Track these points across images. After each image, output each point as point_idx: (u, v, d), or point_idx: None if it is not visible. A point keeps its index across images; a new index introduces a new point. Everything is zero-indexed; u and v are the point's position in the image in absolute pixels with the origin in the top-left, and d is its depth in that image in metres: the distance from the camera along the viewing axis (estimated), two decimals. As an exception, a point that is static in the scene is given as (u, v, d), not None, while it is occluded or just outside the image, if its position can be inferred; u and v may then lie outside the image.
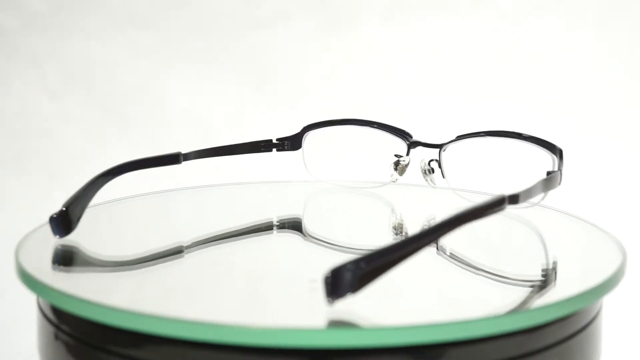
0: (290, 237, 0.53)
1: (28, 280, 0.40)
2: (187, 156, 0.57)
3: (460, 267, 0.46)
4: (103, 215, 0.56)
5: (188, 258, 0.47)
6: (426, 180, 0.56)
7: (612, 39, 1.01)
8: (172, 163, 0.56)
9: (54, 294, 0.39)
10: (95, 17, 1.08)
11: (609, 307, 0.50)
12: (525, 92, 1.03)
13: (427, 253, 0.48)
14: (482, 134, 0.54)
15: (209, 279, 0.44)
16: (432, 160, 0.56)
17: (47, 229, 0.48)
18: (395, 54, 1.05)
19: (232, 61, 1.07)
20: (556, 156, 0.50)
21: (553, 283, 0.43)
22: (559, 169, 0.49)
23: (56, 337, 0.41)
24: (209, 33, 1.08)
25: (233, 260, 0.48)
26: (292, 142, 0.61)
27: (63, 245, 0.48)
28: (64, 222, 0.48)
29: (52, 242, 0.48)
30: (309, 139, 0.60)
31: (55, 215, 0.48)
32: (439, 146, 0.55)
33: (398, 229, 0.54)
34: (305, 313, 0.38)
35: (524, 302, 0.41)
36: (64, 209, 0.48)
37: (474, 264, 0.47)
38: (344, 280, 0.35)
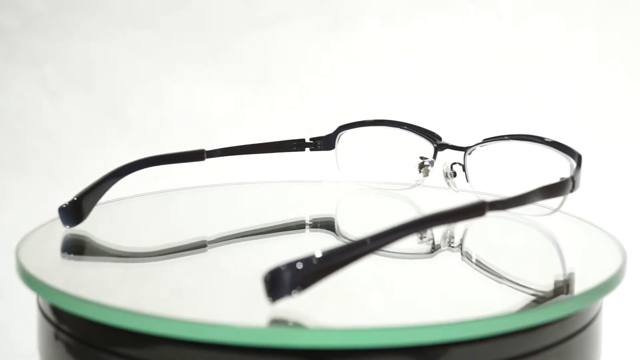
0: (322, 236, 0.52)
1: (29, 280, 0.40)
2: (211, 153, 0.56)
3: (460, 267, 0.46)
4: (122, 211, 0.56)
5: (208, 254, 0.47)
6: (448, 183, 0.55)
7: (612, 38, 1.01)
8: (195, 160, 0.56)
9: (55, 294, 0.39)
10: (95, 17, 1.08)
11: (609, 307, 0.50)
12: (524, 92, 1.03)
13: (428, 253, 0.48)
14: (506, 137, 0.53)
15: (223, 277, 0.44)
16: (454, 163, 0.55)
17: (48, 228, 0.48)
18: (395, 53, 1.05)
19: (232, 61, 1.07)
20: (574, 162, 0.48)
21: (553, 283, 0.43)
22: (572, 176, 0.47)
23: (56, 337, 0.41)
24: (209, 33, 1.08)
25: (257, 257, 0.47)
26: (325, 142, 0.60)
27: (74, 237, 0.48)
28: (73, 212, 0.49)
29: (52, 242, 0.48)
30: (342, 139, 0.60)
31: (64, 205, 0.48)
32: (464, 149, 0.54)
33: (422, 233, 0.52)
34: (306, 313, 0.38)
35: (524, 303, 0.41)
36: (75, 199, 0.49)
37: (474, 264, 0.47)
38: (282, 281, 0.35)
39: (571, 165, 0.48)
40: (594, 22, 1.01)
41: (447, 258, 0.48)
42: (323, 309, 0.39)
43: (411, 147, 0.57)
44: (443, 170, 0.55)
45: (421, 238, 0.50)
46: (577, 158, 0.48)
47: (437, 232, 0.51)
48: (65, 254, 0.48)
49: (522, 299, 0.41)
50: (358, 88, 1.06)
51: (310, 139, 0.60)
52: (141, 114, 1.07)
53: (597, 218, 0.52)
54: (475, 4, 1.04)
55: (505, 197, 0.42)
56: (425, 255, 0.48)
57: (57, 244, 0.48)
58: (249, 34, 1.07)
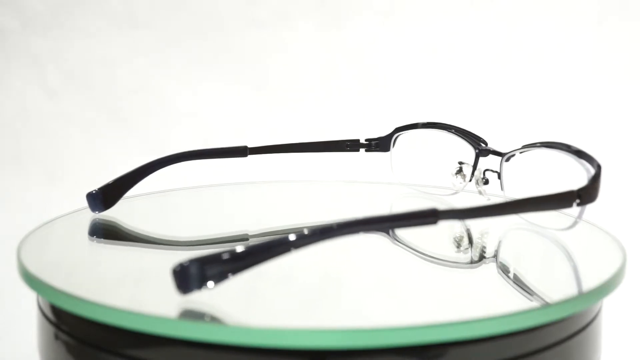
0: (375, 239, 0.50)
1: (29, 279, 0.40)
2: (254, 150, 0.57)
3: (460, 267, 0.46)
4: (166, 203, 0.58)
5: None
6: (479, 191, 0.54)
7: (613, 38, 1.01)
8: (237, 156, 0.57)
9: (55, 294, 0.39)
10: (95, 17, 1.08)
11: (609, 307, 0.50)
12: (524, 91, 1.03)
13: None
14: (538, 144, 0.50)
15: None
16: (487, 170, 0.53)
17: (48, 228, 0.48)
18: (395, 53, 1.05)
19: (232, 61, 1.07)
20: (590, 173, 0.45)
21: (554, 284, 0.43)
22: (579, 189, 0.44)
23: (56, 337, 0.41)
24: (209, 33, 1.08)
25: (302, 256, 0.47)
26: (381, 144, 0.59)
27: (102, 222, 0.49)
28: (101, 198, 0.51)
29: (52, 242, 0.48)
30: (397, 141, 0.59)
31: (94, 192, 0.51)
32: (502, 154, 0.52)
33: (459, 241, 0.51)
34: (306, 313, 0.38)
35: (525, 303, 0.41)
36: (105, 185, 0.51)
37: (474, 264, 0.47)
38: (190, 276, 0.36)
39: (588, 177, 0.45)
40: (595, 22, 1.01)
41: (443, 257, 0.48)
42: (323, 309, 0.39)
43: (459, 151, 0.55)
44: (475, 175, 0.54)
45: (457, 247, 0.49)
46: (596, 168, 0.45)
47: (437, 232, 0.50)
48: (94, 237, 0.50)
49: (523, 299, 0.41)
50: (358, 88, 1.06)
51: (366, 140, 0.60)
52: (141, 114, 1.07)
53: (597, 218, 0.52)
54: (476, 4, 1.04)
55: (453, 208, 0.41)
56: (425, 255, 0.48)
57: (58, 244, 0.48)
58: (249, 34, 1.07)
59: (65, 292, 0.38)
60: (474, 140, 0.54)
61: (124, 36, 1.08)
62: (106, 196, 0.52)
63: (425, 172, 0.60)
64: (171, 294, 0.40)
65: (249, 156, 0.57)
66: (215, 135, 1.06)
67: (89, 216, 0.53)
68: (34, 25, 1.08)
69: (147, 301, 0.39)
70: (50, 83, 1.08)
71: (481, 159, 0.54)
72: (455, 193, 0.56)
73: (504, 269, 0.45)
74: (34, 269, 0.40)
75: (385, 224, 0.40)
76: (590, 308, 0.41)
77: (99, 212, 0.52)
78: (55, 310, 0.40)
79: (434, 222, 0.39)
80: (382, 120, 1.05)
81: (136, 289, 0.41)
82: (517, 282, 0.43)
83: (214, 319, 0.36)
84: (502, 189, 0.52)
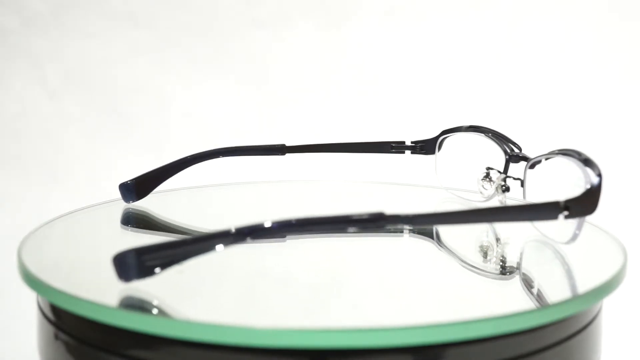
0: (421, 243, 0.50)
1: (30, 280, 0.40)
2: (292, 149, 0.57)
3: (461, 267, 0.46)
4: (195, 197, 0.59)
5: (286, 245, 0.47)
6: (499, 201, 0.51)
7: (613, 38, 1.01)
8: (275, 154, 0.57)
9: (55, 294, 0.39)
10: (95, 17, 1.08)
11: (609, 307, 0.50)
12: (524, 91, 1.03)
13: (428, 253, 0.48)
14: (556, 152, 0.46)
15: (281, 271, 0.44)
16: (507, 177, 0.51)
17: (48, 228, 0.48)
18: (394, 53, 1.05)
19: (232, 61, 1.07)
20: (589, 184, 0.42)
21: (554, 284, 0.43)
22: (567, 202, 0.41)
23: (56, 337, 0.41)
24: (209, 33, 1.08)
25: (338, 255, 0.47)
26: (427, 146, 0.58)
27: (133, 212, 0.51)
28: (134, 189, 0.53)
29: (52, 242, 0.48)
30: (443, 144, 0.57)
31: (127, 182, 0.53)
32: (526, 159, 0.50)
33: (485, 250, 0.49)
34: (307, 313, 0.38)
35: (525, 303, 0.41)
36: (139, 177, 0.53)
37: (474, 264, 0.47)
38: (125, 265, 0.37)
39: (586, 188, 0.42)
40: (595, 22, 1.01)
41: (443, 258, 0.48)
42: (323, 309, 0.39)
43: (498, 155, 0.53)
44: (494, 181, 0.52)
45: (484, 257, 0.48)
46: (596, 180, 0.42)
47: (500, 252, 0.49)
48: (127, 226, 0.52)
49: (523, 299, 0.41)
50: (358, 88, 1.06)
51: (412, 142, 0.58)
52: (141, 114, 1.07)
53: (598, 218, 0.52)
54: (477, 4, 1.04)
55: (403, 213, 0.39)
56: (424, 255, 0.48)
57: (58, 244, 0.48)
58: (249, 34, 1.07)
59: (65, 292, 0.38)
60: (507, 145, 0.52)
61: (124, 36, 1.08)
62: (139, 187, 0.54)
63: (467, 176, 0.57)
64: (171, 294, 0.40)
65: (287, 155, 0.58)
66: (215, 135, 1.06)
67: (89, 216, 0.53)
68: (34, 25, 1.08)
69: (147, 301, 0.39)
70: (50, 83, 1.08)
71: (512, 165, 0.51)
72: (488, 200, 0.54)
73: (504, 270, 0.45)
74: (34, 269, 0.40)
75: (327, 225, 0.39)
76: (590, 308, 0.41)
77: (132, 202, 0.54)
78: (55, 310, 0.40)
79: (381, 225, 0.38)
80: (381, 120, 1.05)
81: (136, 289, 0.41)
82: (517, 282, 0.43)
83: (214, 319, 0.36)
84: (524, 197, 0.49)
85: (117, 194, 0.55)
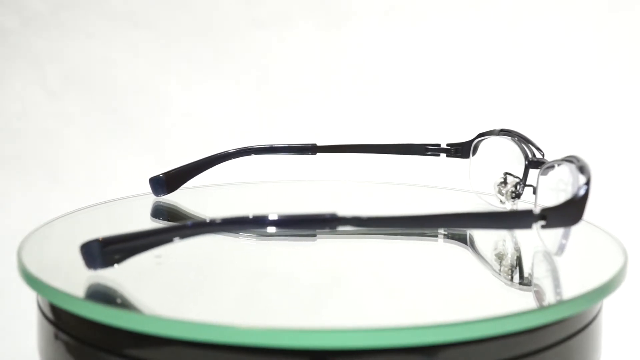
0: (454, 248, 0.49)
1: (30, 280, 0.40)
2: (323, 149, 0.58)
3: (461, 267, 0.46)
4: (230, 194, 0.60)
5: (315, 244, 0.47)
6: (507, 205, 0.50)
7: (613, 38, 1.01)
8: (306, 153, 0.59)
9: (55, 294, 0.39)
10: (95, 17, 1.08)
11: (609, 307, 0.50)
12: (524, 91, 1.03)
13: (429, 254, 0.48)
14: (562, 159, 0.45)
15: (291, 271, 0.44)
16: (518, 183, 0.50)
17: (48, 228, 0.48)
18: (394, 53, 1.05)
19: (232, 61, 1.07)
20: (576, 192, 0.40)
21: (554, 284, 0.43)
22: (544, 211, 0.39)
23: (56, 337, 0.41)
24: (209, 33, 1.08)
25: (300, 255, 0.48)
26: (461, 149, 0.57)
27: (163, 205, 0.53)
28: (164, 183, 0.55)
29: (52, 242, 0.48)
30: (477, 147, 0.56)
31: (158, 176, 0.55)
32: (538, 165, 0.48)
33: (499, 258, 0.47)
34: (307, 313, 0.38)
35: (525, 304, 0.41)
36: (170, 171, 0.55)
37: (474, 264, 0.47)
38: (91, 254, 0.39)
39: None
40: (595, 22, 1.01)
41: (444, 258, 0.48)
42: (323, 309, 0.39)
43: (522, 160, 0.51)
44: (507, 189, 0.51)
45: (499, 266, 0.46)
46: (582, 190, 0.40)
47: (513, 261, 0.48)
48: (157, 219, 0.53)
49: (523, 299, 0.41)
50: (358, 87, 1.06)
51: (448, 145, 0.58)
52: (141, 114, 1.07)
53: (598, 218, 0.52)
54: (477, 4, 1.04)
55: (343, 215, 0.38)
56: (424, 256, 0.48)
57: (58, 244, 0.48)
58: (249, 34, 1.07)
59: (65, 292, 0.38)
60: (529, 149, 0.50)
61: (124, 36, 1.08)
62: (169, 182, 0.56)
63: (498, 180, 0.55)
64: (171, 294, 0.40)
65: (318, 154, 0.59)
66: (216, 136, 1.06)
67: (89, 216, 0.53)
68: (34, 25, 1.08)
69: (148, 301, 0.39)
70: (50, 83, 1.08)
71: (533, 171, 0.49)
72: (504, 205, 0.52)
73: (504, 270, 0.45)
74: (34, 269, 0.40)
75: (281, 224, 0.39)
76: (590, 308, 0.41)
77: (163, 195, 0.56)
78: (55, 310, 0.40)
79: (334, 227, 0.38)
80: (382, 121, 1.05)
81: (136, 289, 0.41)
82: (518, 282, 0.43)
83: (214, 319, 0.36)
84: (535, 205, 0.47)
85: (117, 194, 0.56)
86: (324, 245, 0.49)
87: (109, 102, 1.07)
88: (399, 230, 0.49)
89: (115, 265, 0.39)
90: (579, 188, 0.40)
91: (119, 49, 1.08)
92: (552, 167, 0.46)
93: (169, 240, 0.39)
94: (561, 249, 0.42)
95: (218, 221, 0.39)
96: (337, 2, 1.06)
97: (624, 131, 1.00)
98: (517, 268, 0.46)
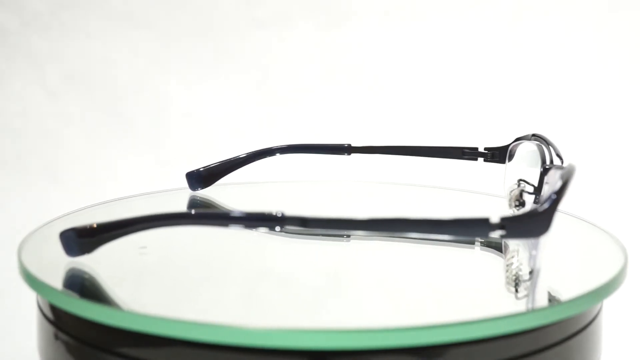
0: (489, 257, 0.48)
1: (30, 280, 0.40)
2: (358, 149, 0.59)
3: (461, 267, 0.46)
4: (267, 191, 0.61)
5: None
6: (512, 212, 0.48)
7: (613, 38, 1.01)
8: (341, 153, 0.60)
9: (55, 294, 0.39)
10: (95, 17, 1.08)
11: (609, 308, 0.49)
12: (524, 91, 1.03)
13: (429, 253, 0.48)
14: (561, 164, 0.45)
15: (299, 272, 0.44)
16: (523, 190, 0.49)
17: (48, 228, 0.48)
18: (394, 53, 1.05)
19: (232, 61, 1.07)
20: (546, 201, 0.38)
21: (554, 284, 0.43)
22: (503, 221, 0.37)
23: (56, 337, 0.41)
24: (209, 33, 1.08)
25: (300, 255, 0.47)
26: (498, 154, 0.55)
27: (198, 199, 0.53)
28: (200, 178, 0.57)
29: (52, 242, 0.48)
30: (513, 152, 0.54)
31: (199, 170, 0.57)
32: (544, 171, 0.47)
33: (511, 273, 0.45)
34: (307, 314, 0.38)
35: (525, 304, 0.40)
36: (206, 167, 0.57)
37: (474, 264, 0.47)
38: (68, 243, 0.41)
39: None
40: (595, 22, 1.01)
41: (443, 258, 0.48)
42: (323, 309, 0.39)
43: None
44: (511, 196, 0.49)
45: (514, 283, 0.45)
46: (551, 200, 0.37)
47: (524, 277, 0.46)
48: (189, 211, 0.53)
49: (523, 300, 0.41)
50: (358, 87, 1.06)
51: (485, 149, 0.56)
52: (141, 114, 1.07)
53: (598, 218, 0.52)
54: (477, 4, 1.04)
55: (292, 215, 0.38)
56: (424, 255, 0.48)
57: (58, 244, 0.47)
58: (249, 34, 1.07)
59: (65, 292, 0.38)
60: (548, 155, 0.49)
61: (124, 36, 1.08)
62: (206, 176, 0.58)
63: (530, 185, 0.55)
64: (171, 293, 0.40)
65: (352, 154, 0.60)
66: (216, 136, 1.06)
67: (89, 216, 0.53)
68: (34, 25, 1.08)
69: (148, 301, 0.39)
70: (50, 83, 1.08)
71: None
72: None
73: (503, 269, 0.45)
74: (34, 269, 0.40)
75: (227, 221, 0.40)
76: (590, 308, 0.41)
77: (199, 189, 0.58)
78: (55, 310, 0.40)
79: (281, 226, 0.38)
80: (382, 121, 1.05)
81: (136, 289, 0.41)
82: (518, 282, 0.43)
83: (214, 319, 0.36)
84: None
85: (116, 194, 0.55)
86: (326, 245, 0.49)
87: (109, 102, 1.08)
88: (347, 233, 0.49)
89: (92, 251, 0.41)
90: (545, 200, 0.37)
91: (119, 49, 1.08)
92: (548, 173, 0.45)
93: (138, 230, 0.41)
94: (532, 260, 0.40)
95: (162, 215, 0.40)
96: (337, 2, 1.06)
97: (624, 131, 1.00)
98: (521, 273, 0.45)
